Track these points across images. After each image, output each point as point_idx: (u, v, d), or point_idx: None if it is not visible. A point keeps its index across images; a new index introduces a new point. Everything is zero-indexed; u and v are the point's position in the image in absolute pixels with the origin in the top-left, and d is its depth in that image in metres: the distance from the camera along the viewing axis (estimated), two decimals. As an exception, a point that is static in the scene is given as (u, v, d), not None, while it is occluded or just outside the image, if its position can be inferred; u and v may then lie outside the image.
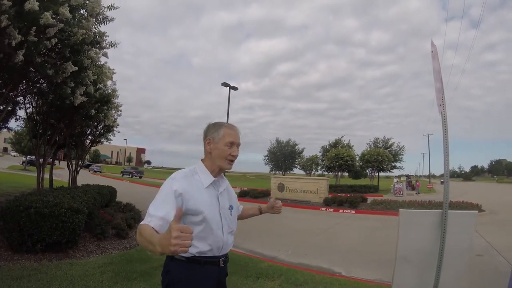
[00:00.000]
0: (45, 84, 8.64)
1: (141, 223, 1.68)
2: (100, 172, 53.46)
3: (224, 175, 2.10)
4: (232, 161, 1.94)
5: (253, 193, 22.84)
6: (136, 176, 48.68)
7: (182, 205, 1.72)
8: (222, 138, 1.91)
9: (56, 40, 5.91)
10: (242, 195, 22.46)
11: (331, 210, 17.19)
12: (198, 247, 1.80)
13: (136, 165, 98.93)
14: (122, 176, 48.24)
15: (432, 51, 3.19)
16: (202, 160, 1.98)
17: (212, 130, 1.95)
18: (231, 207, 2.02)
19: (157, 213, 1.65)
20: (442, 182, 27.25)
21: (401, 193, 28.40)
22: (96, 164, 61.87)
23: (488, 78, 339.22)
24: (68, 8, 5.65)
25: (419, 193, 32.88)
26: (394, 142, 43.34)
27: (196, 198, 1.79)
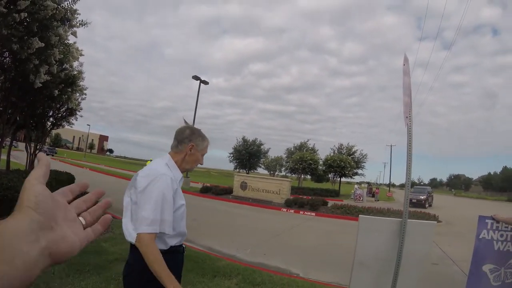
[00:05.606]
0: (8, 59, 8.25)
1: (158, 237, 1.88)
2: (53, 155, 55.75)
3: None
4: None
5: (215, 190, 22.62)
6: (49, 154, 53.79)
7: (174, 202, 1.95)
8: (204, 148, 2.20)
9: (26, 14, 5.65)
10: (204, 191, 22.21)
11: (292, 211, 17.31)
12: (179, 238, 2.05)
13: (97, 153, 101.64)
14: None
15: (404, 65, 3.23)
16: (171, 155, 2.13)
17: (198, 138, 2.16)
18: None
19: (169, 217, 1.88)
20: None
21: (361, 199, 29.06)
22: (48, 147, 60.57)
23: (453, 98, 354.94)
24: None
25: (378, 200, 33.72)
26: (357, 150, 44.01)
27: (180, 192, 2.04)
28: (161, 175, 1.91)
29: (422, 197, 26.86)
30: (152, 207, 1.82)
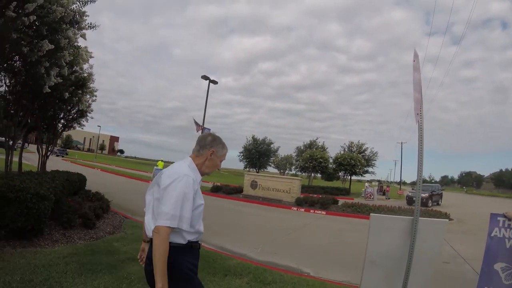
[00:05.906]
0: (19, 63, 8.35)
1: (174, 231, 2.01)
2: (63, 156, 56.38)
3: None
4: None
5: (226, 189, 22.68)
6: (59, 155, 55.45)
7: (194, 201, 2.10)
8: (222, 155, 2.40)
9: (35, 17, 5.70)
10: (214, 191, 22.29)
11: (303, 210, 17.30)
12: (196, 235, 2.17)
13: (108, 154, 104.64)
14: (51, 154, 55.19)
15: (414, 61, 3.20)
16: (192, 158, 2.31)
17: (219, 145, 2.37)
18: None
19: (187, 215, 2.02)
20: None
21: (372, 197, 28.86)
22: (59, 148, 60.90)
23: (463, 93, 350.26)
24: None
25: (389, 198, 33.44)
26: (367, 148, 43.64)
27: (200, 193, 2.22)
28: (184, 175, 2.08)
29: (424, 195, 23.53)
30: (173, 203, 1.97)
